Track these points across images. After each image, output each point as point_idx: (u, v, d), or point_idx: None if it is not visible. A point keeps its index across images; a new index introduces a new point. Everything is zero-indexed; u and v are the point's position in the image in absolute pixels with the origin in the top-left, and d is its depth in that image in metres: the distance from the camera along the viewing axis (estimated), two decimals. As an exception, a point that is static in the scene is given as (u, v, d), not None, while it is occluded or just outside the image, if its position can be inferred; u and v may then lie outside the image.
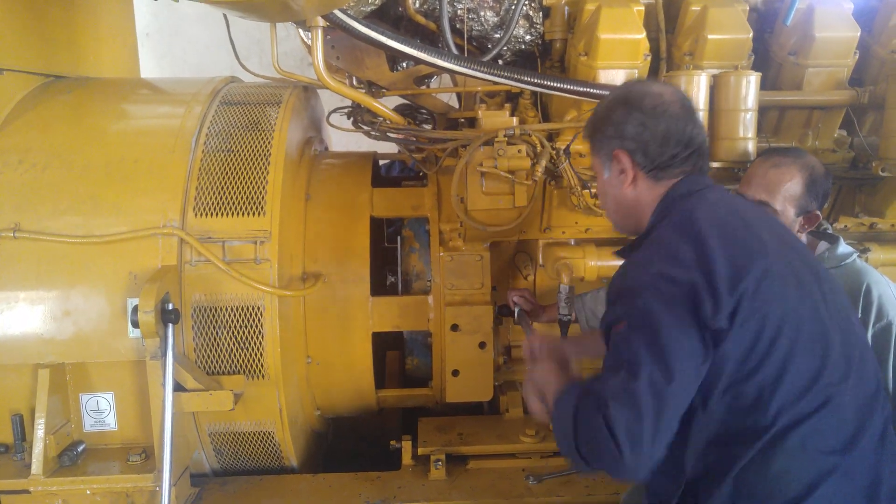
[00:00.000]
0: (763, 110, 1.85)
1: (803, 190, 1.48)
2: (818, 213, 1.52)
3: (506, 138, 1.78)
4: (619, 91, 1.25)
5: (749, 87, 1.69)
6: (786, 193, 1.48)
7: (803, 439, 1.01)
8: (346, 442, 2.49)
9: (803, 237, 1.57)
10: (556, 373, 1.20)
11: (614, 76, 1.80)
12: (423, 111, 2.32)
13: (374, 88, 2.15)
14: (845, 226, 2.08)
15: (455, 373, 1.98)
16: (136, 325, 1.55)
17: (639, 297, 1.03)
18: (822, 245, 1.59)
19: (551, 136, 1.92)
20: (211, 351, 1.74)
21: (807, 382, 1.02)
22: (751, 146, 1.72)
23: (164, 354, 1.59)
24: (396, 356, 2.34)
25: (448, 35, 1.85)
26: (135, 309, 1.54)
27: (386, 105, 2.00)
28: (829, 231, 1.68)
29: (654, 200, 1.19)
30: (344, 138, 2.67)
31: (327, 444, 2.41)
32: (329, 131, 2.53)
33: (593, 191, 1.83)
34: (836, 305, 1.12)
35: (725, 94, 1.70)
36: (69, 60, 2.10)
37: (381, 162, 2.58)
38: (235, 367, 1.75)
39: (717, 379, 1.01)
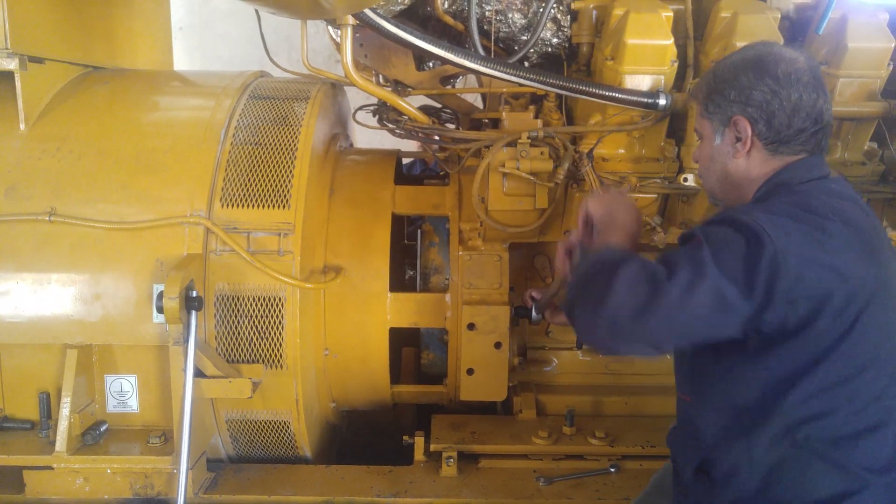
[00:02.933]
0: (791, 120, 1.82)
1: None
2: None
3: (529, 140, 1.78)
4: (750, 52, 1.13)
5: (778, 96, 1.66)
6: None
7: (850, 456, 1.00)
8: (360, 436, 2.52)
9: None
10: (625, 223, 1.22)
11: (640, 81, 1.80)
12: (448, 111, 2.34)
13: (400, 87, 2.17)
14: (872, 240, 2.04)
15: (470, 371, 1.99)
16: (160, 310, 1.59)
17: (725, 225, 1.00)
18: None
19: (575, 140, 1.92)
20: (232, 339, 1.78)
21: (870, 399, 1.00)
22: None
23: (187, 341, 1.63)
24: (413, 353, 2.36)
25: (476, 36, 1.86)
26: (160, 295, 1.59)
27: (411, 104, 2.03)
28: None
29: (765, 176, 1.11)
30: (368, 136, 2.70)
31: (341, 437, 2.44)
32: (354, 128, 2.57)
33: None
34: None
35: (753, 103, 1.68)
36: (106, 52, 2.17)
37: (404, 161, 2.60)
38: (255, 356, 1.79)
39: (791, 384, 0.99)
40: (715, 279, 0.95)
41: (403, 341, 2.36)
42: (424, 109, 2.18)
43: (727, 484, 1.06)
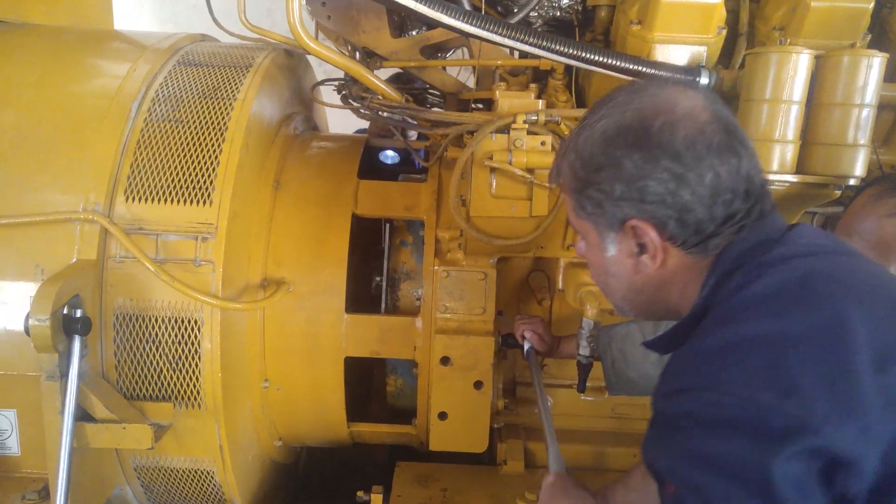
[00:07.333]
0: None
1: None
2: None
3: (526, 125, 1.37)
4: (626, 114, 0.74)
5: (870, 74, 1.22)
6: None
7: None
8: (324, 466, 2.16)
9: None
10: None
11: (676, 53, 1.38)
12: (435, 92, 1.93)
13: (372, 58, 1.76)
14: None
15: (442, 416, 1.60)
16: (28, 332, 1.21)
17: (693, 447, 0.64)
18: None
19: (586, 128, 1.50)
20: (136, 370, 1.40)
21: None
22: (861, 157, 1.26)
23: (66, 374, 1.25)
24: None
25: (461, -11, 1.44)
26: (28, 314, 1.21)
27: (380, 77, 1.62)
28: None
29: (699, 274, 0.76)
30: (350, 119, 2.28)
31: (298, 473, 2.07)
32: (325, 111, 2.16)
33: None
34: None
35: (832, 82, 1.24)
36: (8, 4, 1.76)
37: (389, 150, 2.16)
38: (166, 391, 1.41)
39: None
40: None
41: (373, 360, 1.97)
42: (408, 91, 1.76)
43: None
